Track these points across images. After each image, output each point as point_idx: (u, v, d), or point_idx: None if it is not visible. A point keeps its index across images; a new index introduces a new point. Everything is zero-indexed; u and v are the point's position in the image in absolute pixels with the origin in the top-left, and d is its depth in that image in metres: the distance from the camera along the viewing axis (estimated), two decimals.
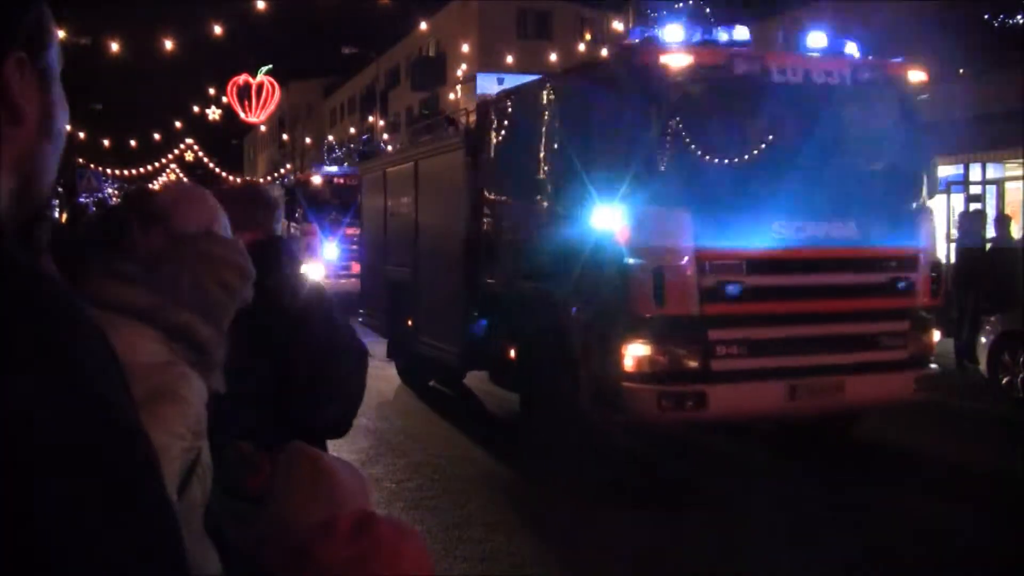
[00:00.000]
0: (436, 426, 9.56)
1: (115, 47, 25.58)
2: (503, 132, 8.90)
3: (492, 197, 9.01)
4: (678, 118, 6.95)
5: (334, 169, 23.14)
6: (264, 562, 1.59)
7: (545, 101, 8.08)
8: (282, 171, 47.86)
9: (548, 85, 8.33)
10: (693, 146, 7.00)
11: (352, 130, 56.93)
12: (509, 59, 34.78)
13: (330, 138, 51.98)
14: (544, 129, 8.02)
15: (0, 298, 0.76)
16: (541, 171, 8.03)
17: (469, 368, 9.88)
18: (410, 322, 10.93)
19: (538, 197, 8.07)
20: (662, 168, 6.96)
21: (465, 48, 37.87)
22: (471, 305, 9.29)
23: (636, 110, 7.01)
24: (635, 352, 6.87)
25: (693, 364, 6.89)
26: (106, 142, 50.59)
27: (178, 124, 52.29)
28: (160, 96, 56.74)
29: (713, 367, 6.91)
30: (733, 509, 6.55)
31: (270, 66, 46.27)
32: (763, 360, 7.03)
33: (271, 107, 46.48)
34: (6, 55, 0.88)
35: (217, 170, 57.80)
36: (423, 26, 32.77)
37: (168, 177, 58.86)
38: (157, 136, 52.97)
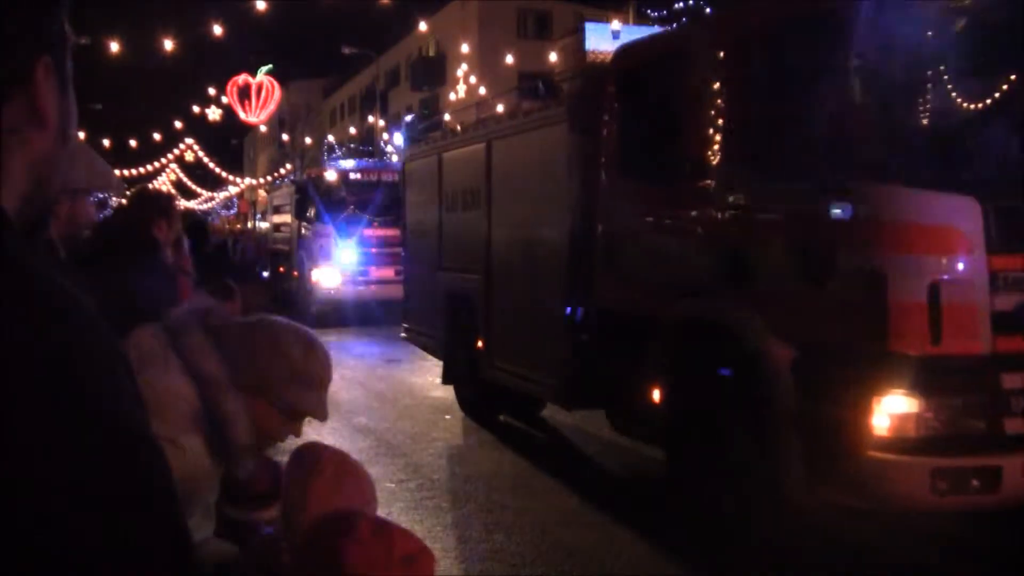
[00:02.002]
0: (436, 427, 8.91)
1: (115, 47, 23.14)
2: (633, 99, 6.31)
3: (616, 184, 6.41)
4: (947, 61, 4.42)
5: (350, 164, 20.29)
6: (280, 564, 1.52)
7: (718, 54, 5.46)
8: (282, 171, 45.12)
9: (722, 29, 5.74)
10: (968, 102, 4.46)
11: (352, 130, 54.34)
12: (509, 59, 32.45)
13: (330, 138, 49.22)
14: (714, 91, 5.43)
15: (1, 301, 0.71)
16: (707, 149, 5.44)
17: (574, 407, 7.30)
18: (481, 343, 8.32)
19: (703, 183, 5.48)
20: (927, 133, 4.42)
21: (465, 48, 35.56)
22: (578, 326, 6.72)
23: (883, 53, 4.46)
24: (893, 408, 4.33)
25: (980, 425, 4.35)
26: (106, 142, 47.45)
27: (178, 124, 49.23)
28: (160, 96, 54.09)
29: (1007, 429, 4.38)
30: None
31: (270, 66, 43.50)
32: None
33: (271, 107, 43.79)
34: (38, 60, 0.84)
35: (217, 170, 54.73)
36: (423, 26, 30.37)
37: (168, 177, 55.77)
38: (157, 136, 49.89)
